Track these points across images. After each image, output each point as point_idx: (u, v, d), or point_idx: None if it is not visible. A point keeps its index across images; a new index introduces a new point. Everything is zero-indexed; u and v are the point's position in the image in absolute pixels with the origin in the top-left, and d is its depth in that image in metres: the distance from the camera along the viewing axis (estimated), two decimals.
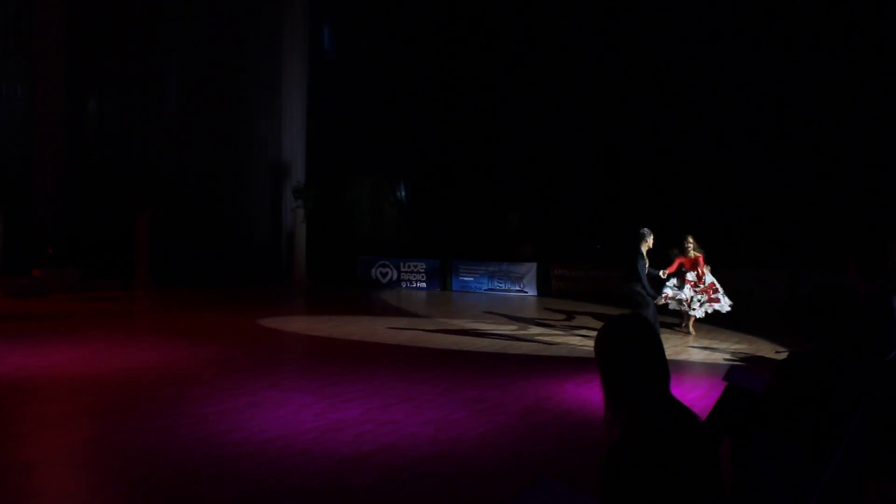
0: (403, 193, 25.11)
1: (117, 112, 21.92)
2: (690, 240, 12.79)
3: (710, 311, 12.89)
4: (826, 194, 18.17)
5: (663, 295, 12.95)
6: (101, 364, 9.71)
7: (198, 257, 21.61)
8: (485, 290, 20.24)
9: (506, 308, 16.65)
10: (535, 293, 19.63)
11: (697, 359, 10.81)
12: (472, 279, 20.49)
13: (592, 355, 2.59)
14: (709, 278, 12.91)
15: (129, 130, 21.96)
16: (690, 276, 12.90)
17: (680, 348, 11.62)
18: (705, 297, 12.81)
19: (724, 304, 12.84)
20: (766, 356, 10.81)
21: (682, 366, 10.16)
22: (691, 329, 13.12)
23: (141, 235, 20.10)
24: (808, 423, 4.22)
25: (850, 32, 17.85)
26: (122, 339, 11.70)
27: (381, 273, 21.60)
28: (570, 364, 10.18)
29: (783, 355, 8.19)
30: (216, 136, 22.95)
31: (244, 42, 23.05)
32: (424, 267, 21.12)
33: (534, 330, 13.62)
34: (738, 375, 4.90)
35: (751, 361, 10.41)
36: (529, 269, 19.98)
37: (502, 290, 20.00)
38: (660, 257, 12.51)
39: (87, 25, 21.11)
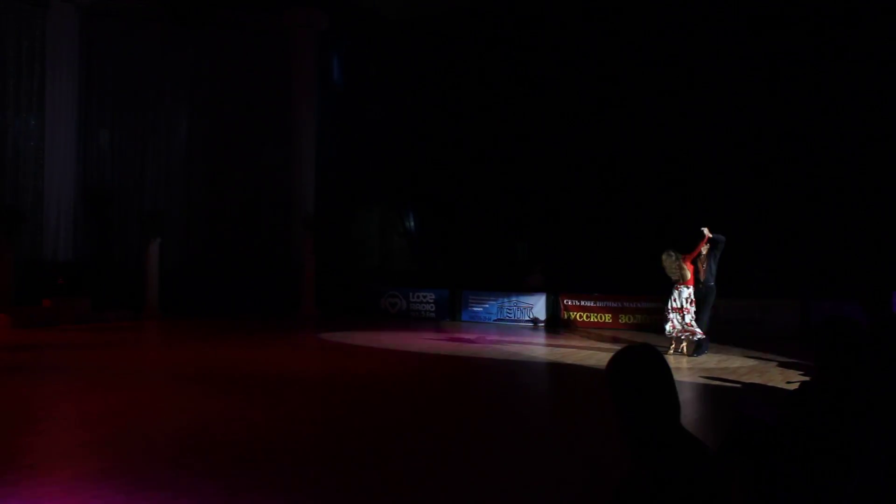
0: (412, 223, 25.16)
1: (128, 143, 22.11)
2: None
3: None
4: (837, 223, 18.11)
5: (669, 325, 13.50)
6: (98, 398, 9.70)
7: (207, 288, 21.72)
8: (494, 320, 20.16)
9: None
10: (545, 323, 19.54)
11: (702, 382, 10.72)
12: (481, 309, 20.42)
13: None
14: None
15: (140, 161, 22.13)
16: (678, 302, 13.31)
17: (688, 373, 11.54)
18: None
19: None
20: (777, 386, 10.70)
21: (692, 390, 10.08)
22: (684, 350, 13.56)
23: (150, 266, 20.16)
24: (821, 454, 4.15)
25: (868, 63, 17.90)
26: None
27: (390, 303, 21.56)
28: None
29: (794, 385, 8.09)
30: (226, 166, 23.16)
31: (254, 74, 23.26)
32: (434, 297, 21.07)
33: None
34: (749, 406, 4.82)
35: (761, 391, 10.30)
36: (539, 300, 19.91)
37: (512, 321, 19.92)
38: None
39: (100, 59, 21.37)
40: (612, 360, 2.50)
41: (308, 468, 6.76)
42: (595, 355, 13.83)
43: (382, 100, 24.56)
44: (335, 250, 23.40)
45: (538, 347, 15.68)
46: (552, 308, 19.65)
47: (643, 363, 2.45)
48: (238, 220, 23.42)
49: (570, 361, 13.42)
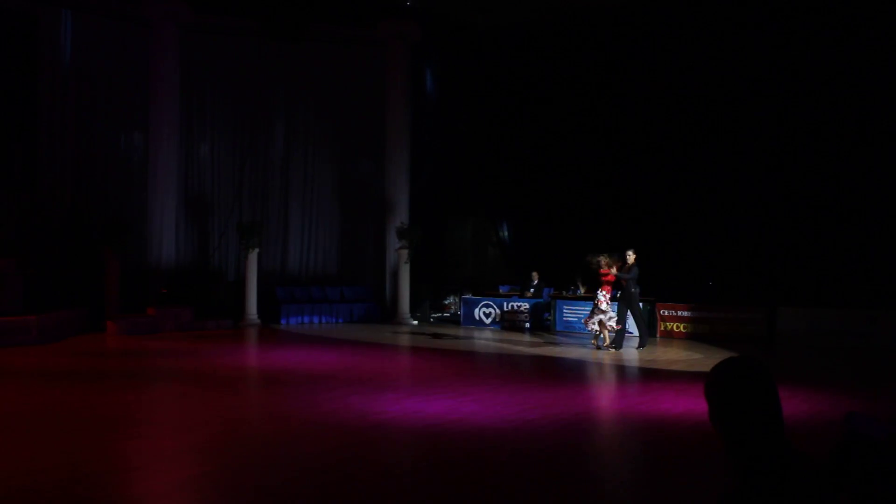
0: (506, 233, 24.98)
1: (227, 156, 22.65)
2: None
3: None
4: None
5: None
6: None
7: (304, 297, 22.14)
8: (588, 331, 19.74)
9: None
10: (638, 333, 19.07)
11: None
12: (575, 319, 20.06)
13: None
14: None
15: (238, 173, 22.65)
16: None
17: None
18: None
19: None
20: None
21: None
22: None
23: (249, 275, 20.59)
24: None
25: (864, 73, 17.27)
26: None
27: (484, 313, 21.44)
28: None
29: None
30: (321, 178, 23.49)
31: (348, 86, 23.54)
32: (528, 307, 20.84)
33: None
34: (858, 422, 4.49)
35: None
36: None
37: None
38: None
39: (199, 75, 21.96)
40: (713, 372, 2.40)
41: (407, 479, 6.67)
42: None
43: (475, 110, 24.49)
44: (429, 260, 23.41)
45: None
46: (647, 317, 19.18)
47: (745, 375, 2.35)
48: (333, 229, 23.73)
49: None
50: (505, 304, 21.21)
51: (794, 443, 2.34)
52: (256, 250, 20.73)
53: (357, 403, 9.65)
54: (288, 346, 16.78)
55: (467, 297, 22.33)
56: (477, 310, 21.58)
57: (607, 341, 15.94)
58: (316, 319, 21.79)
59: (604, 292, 15.83)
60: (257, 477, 6.42)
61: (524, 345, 17.20)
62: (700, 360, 14.49)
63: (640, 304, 16.68)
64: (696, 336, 18.19)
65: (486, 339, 18.54)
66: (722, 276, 20.28)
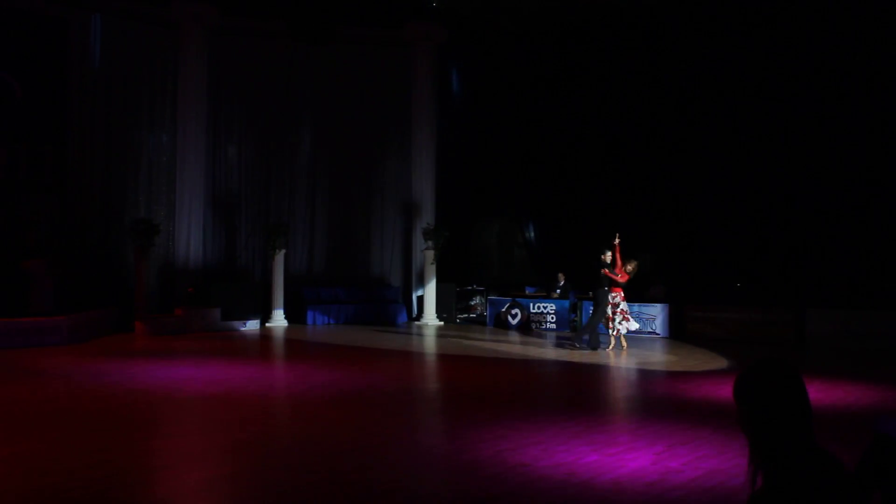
0: (532, 234, 24.90)
1: (254, 157, 22.76)
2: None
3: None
4: None
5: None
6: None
7: (330, 297, 22.21)
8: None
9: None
10: (667, 335, 18.92)
11: None
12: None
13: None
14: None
15: (265, 174, 22.76)
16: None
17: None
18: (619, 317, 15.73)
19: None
20: None
21: None
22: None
23: (276, 276, 20.69)
24: None
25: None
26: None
27: (510, 315, 21.37)
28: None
29: None
30: (347, 178, 23.54)
31: (374, 88, 23.59)
32: (555, 308, 20.75)
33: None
34: (888, 424, 4.41)
35: None
36: (662, 311, 19.32)
37: (633, 333, 19.35)
38: None
39: (227, 77, 22.09)
40: (742, 375, 2.39)
41: (433, 478, 6.64)
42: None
43: (501, 111, 24.43)
44: (455, 261, 23.39)
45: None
46: (675, 318, 19.05)
47: (775, 378, 2.33)
48: (360, 230, 23.80)
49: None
50: (531, 305, 21.13)
51: (824, 445, 2.31)
52: (283, 251, 20.82)
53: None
54: (312, 348, 16.82)
55: (493, 297, 22.27)
56: (503, 310, 21.51)
57: (612, 343, 15.91)
58: (342, 320, 21.83)
59: (614, 293, 15.76)
60: (285, 477, 6.43)
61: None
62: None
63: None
64: (724, 338, 17.96)
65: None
66: (750, 278, 20.07)
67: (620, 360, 14.60)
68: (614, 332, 15.79)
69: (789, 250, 19.53)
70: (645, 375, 13.14)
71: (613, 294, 15.70)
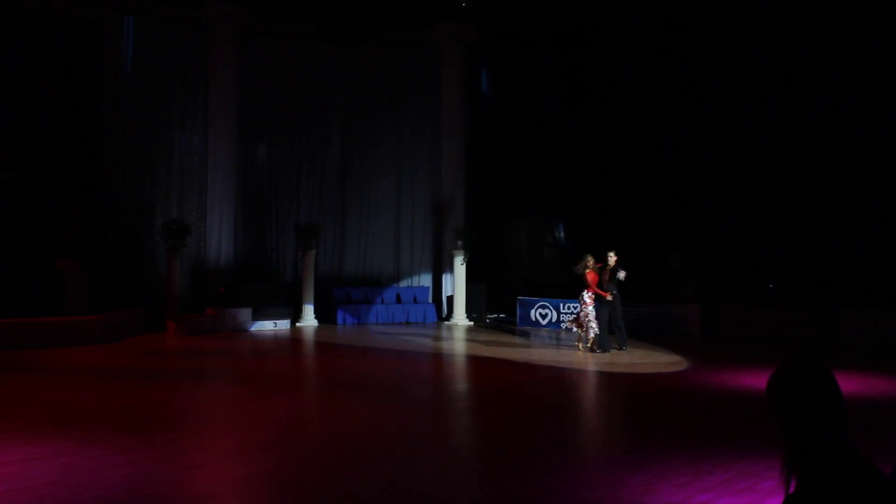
0: (562, 234, 24.79)
1: (284, 158, 22.85)
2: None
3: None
4: None
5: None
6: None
7: (359, 297, 22.27)
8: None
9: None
10: (699, 335, 18.75)
11: None
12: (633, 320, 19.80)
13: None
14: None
15: (296, 175, 22.85)
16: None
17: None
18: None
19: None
20: None
21: None
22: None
23: (306, 276, 20.78)
24: None
25: None
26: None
27: (540, 314, 21.29)
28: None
29: None
30: (376, 178, 23.59)
31: (404, 88, 23.65)
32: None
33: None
34: None
35: None
36: (692, 311, 19.15)
37: (663, 332, 19.22)
38: None
39: (257, 78, 22.20)
40: (775, 376, 2.37)
41: (462, 476, 6.62)
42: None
43: (531, 111, 24.34)
44: (485, 261, 23.36)
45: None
46: (706, 319, 18.89)
47: (809, 379, 2.32)
48: (390, 230, 23.84)
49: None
50: (561, 304, 21.03)
51: (859, 448, 2.25)
52: (314, 251, 20.90)
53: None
54: (342, 347, 16.84)
55: (523, 297, 22.19)
56: (533, 311, 21.43)
57: (591, 343, 15.49)
58: (372, 320, 21.88)
59: (590, 293, 15.48)
60: (318, 476, 6.43)
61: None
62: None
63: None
64: (756, 339, 17.78)
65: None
66: (784, 279, 19.85)
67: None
68: (588, 336, 15.54)
69: (823, 251, 19.26)
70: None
71: (591, 294, 15.47)
